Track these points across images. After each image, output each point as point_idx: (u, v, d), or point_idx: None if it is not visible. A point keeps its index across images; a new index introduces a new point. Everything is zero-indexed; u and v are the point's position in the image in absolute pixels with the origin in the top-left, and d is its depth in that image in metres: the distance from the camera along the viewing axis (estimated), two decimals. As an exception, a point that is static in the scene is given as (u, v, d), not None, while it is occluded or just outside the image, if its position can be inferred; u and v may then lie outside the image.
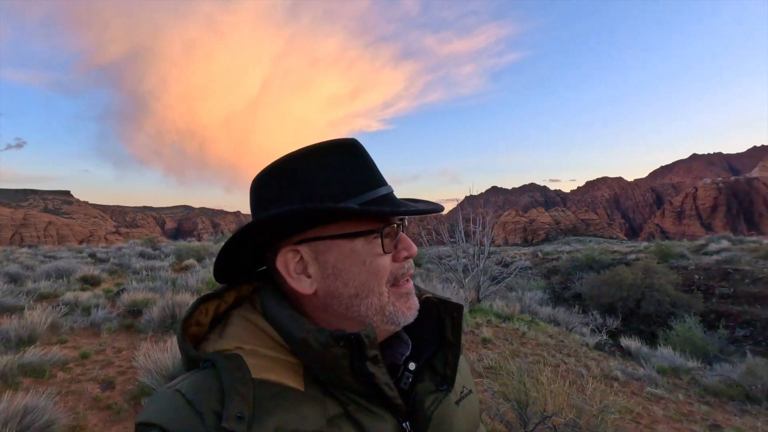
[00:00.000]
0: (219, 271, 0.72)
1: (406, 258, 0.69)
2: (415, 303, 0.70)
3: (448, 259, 12.60)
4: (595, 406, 3.20)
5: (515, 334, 7.71)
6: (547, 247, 40.90)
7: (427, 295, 0.78)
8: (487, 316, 8.83)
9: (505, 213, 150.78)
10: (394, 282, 0.67)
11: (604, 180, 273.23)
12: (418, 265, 17.54)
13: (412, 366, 0.70)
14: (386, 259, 0.66)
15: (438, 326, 0.75)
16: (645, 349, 7.81)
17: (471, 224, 11.58)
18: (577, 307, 12.88)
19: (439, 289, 8.26)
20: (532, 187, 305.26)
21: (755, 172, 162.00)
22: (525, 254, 29.94)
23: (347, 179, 0.66)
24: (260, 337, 0.64)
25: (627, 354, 7.46)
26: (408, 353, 0.72)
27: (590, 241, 77.43)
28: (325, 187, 0.64)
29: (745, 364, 6.01)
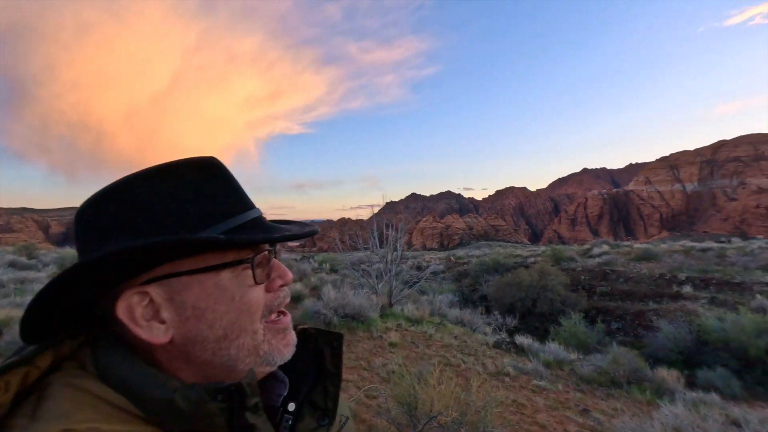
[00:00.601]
0: (29, 329, 0.53)
1: (282, 287, 0.63)
2: (292, 338, 0.64)
3: (366, 264, 12.78)
4: (480, 401, 3.45)
5: (423, 336, 8.02)
6: (460, 252, 43.38)
7: (303, 326, 0.72)
8: (397, 321, 9.08)
9: (424, 219, 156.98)
10: (270, 315, 0.61)
11: (511, 189, 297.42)
12: (334, 271, 17.48)
13: (291, 407, 0.65)
14: (259, 291, 0.59)
15: (316, 358, 0.70)
16: (536, 345, 8.58)
17: (386, 230, 11.84)
18: (481, 308, 13.81)
19: (350, 295, 8.31)
20: (448, 195, 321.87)
21: (631, 186, 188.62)
22: (440, 258, 31.40)
23: (207, 203, 0.57)
24: (98, 408, 0.48)
25: (521, 350, 8.14)
26: (286, 392, 0.66)
27: (499, 245, 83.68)
28: (179, 215, 0.54)
29: (612, 353, 6.93)
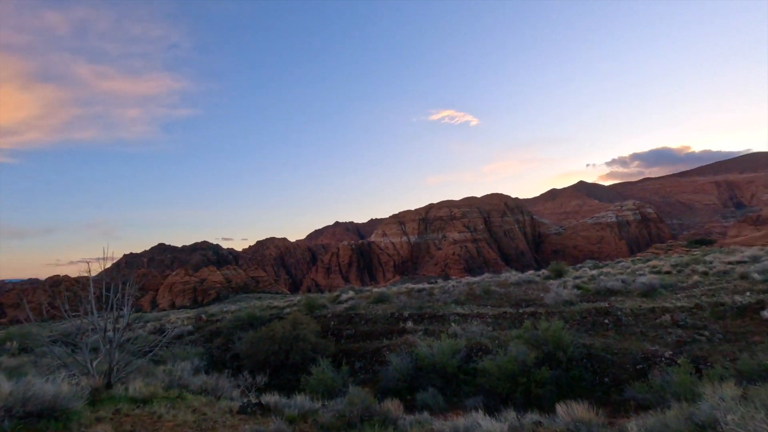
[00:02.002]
0: None
1: None
2: None
3: (81, 336, 9.85)
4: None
5: (149, 420, 6.64)
6: (214, 308, 39.91)
7: None
8: (116, 405, 7.25)
9: (174, 273, 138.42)
10: None
11: (272, 240, 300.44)
12: (26, 350, 12.83)
13: None
14: None
15: None
16: (284, 400, 8.40)
17: (106, 290, 9.61)
18: (231, 369, 12.77)
19: (40, 383, 6.15)
20: (204, 245, 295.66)
21: (373, 237, 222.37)
22: (188, 318, 27.87)
23: None
24: None
25: (267, 410, 7.78)
26: None
27: (258, 297, 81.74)
28: None
29: (348, 396, 7.47)
